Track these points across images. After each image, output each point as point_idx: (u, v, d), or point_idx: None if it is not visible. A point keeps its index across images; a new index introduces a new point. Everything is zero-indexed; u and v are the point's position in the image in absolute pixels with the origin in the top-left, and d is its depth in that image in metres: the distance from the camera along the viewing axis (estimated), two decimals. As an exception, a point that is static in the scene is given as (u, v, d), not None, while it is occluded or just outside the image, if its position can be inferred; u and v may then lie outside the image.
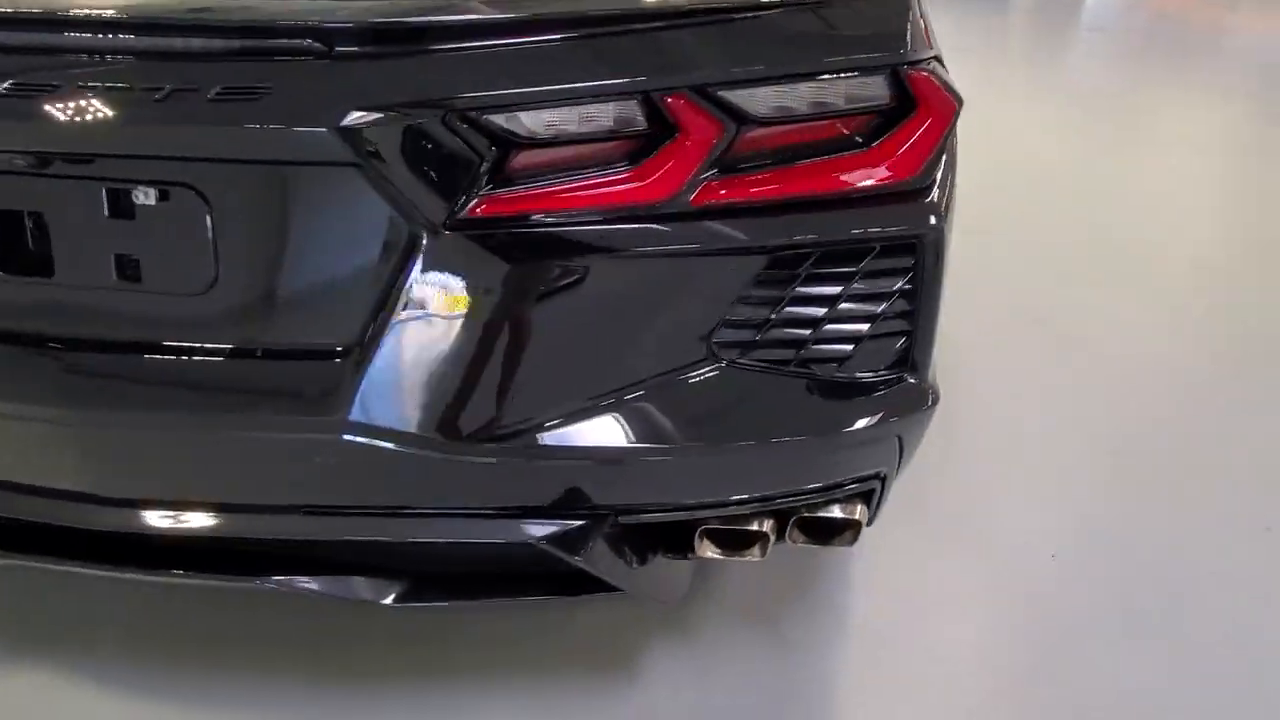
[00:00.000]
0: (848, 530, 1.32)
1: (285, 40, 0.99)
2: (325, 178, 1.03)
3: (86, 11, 1.02)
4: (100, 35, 1.01)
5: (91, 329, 1.11)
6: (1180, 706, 1.57)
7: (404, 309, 1.04)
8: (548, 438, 1.11)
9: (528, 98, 1.01)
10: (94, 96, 0.99)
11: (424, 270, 1.03)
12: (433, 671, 1.56)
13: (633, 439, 1.13)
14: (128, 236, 1.04)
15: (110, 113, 0.99)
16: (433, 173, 1.01)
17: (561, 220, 1.05)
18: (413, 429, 1.07)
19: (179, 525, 1.13)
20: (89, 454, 1.14)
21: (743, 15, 1.07)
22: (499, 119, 1.01)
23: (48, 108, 0.99)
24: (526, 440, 1.10)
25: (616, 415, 1.13)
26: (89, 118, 0.99)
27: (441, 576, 1.27)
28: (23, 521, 1.18)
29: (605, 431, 1.12)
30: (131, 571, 1.21)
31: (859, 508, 1.30)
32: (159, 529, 1.13)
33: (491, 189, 1.03)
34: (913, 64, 1.10)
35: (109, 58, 1.01)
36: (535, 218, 1.04)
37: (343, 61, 0.99)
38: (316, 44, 0.99)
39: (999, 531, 1.93)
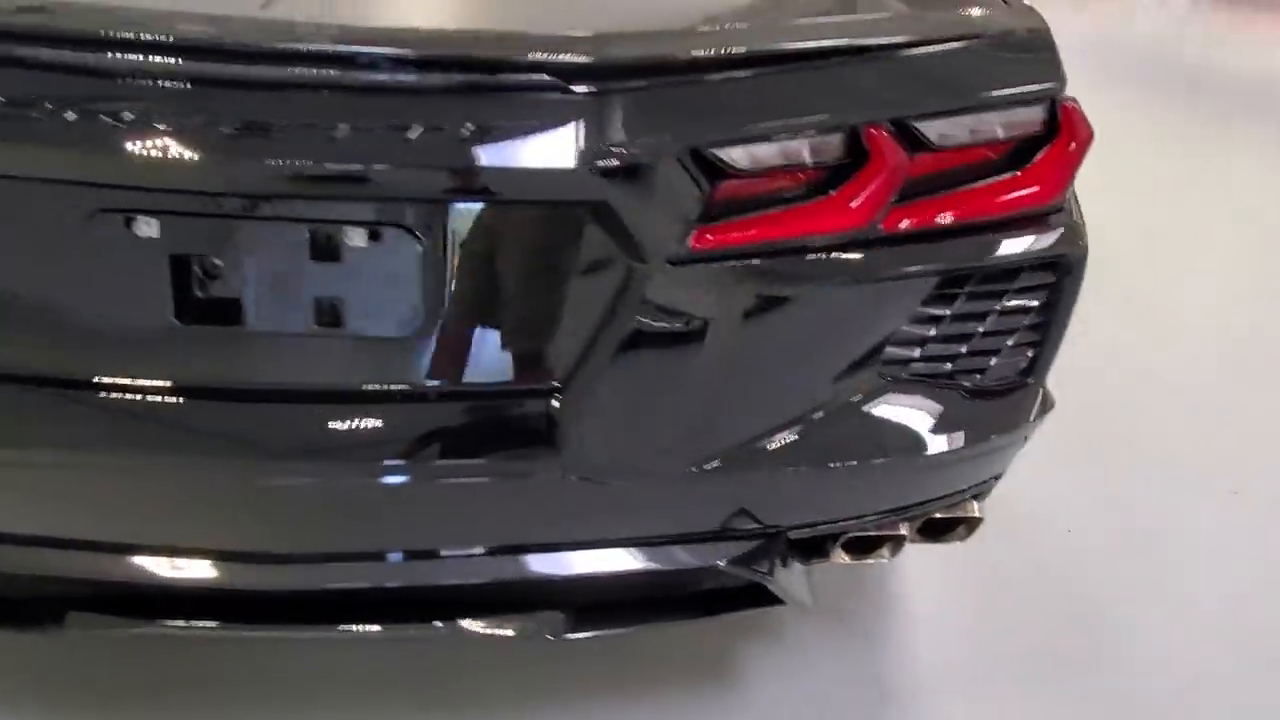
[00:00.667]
0: (965, 527, 1.41)
1: (517, 76, 0.96)
2: (550, 216, 1.00)
3: (288, 45, 0.93)
4: (310, 69, 0.93)
5: (284, 377, 1.03)
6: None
7: (621, 345, 1.04)
8: (749, 463, 1.13)
9: (751, 132, 1.02)
10: (301, 135, 0.92)
11: (642, 305, 1.03)
12: (541, 685, 1.56)
13: (818, 458, 1.17)
14: (331, 279, 0.98)
15: (319, 152, 0.92)
16: (658, 208, 1.01)
17: (769, 250, 1.07)
18: (631, 463, 1.07)
19: (381, 578, 1.07)
20: (279, 510, 1.06)
21: (927, 50, 1.12)
22: (721, 153, 1.01)
23: (252, 147, 0.91)
24: (732, 466, 1.12)
25: (804, 436, 1.16)
26: (297, 159, 0.92)
27: (606, 605, 1.26)
28: (204, 589, 1.10)
29: (795, 453, 1.16)
30: (317, 630, 1.13)
31: (976, 505, 1.40)
32: (355, 585, 1.07)
33: (709, 222, 1.04)
34: (1063, 95, 1.19)
35: (318, 93, 0.93)
36: (747, 248, 1.06)
37: (577, 100, 0.97)
38: (551, 80, 0.96)
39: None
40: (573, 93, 0.96)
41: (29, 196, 0.91)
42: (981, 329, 1.23)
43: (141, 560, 1.07)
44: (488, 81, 0.96)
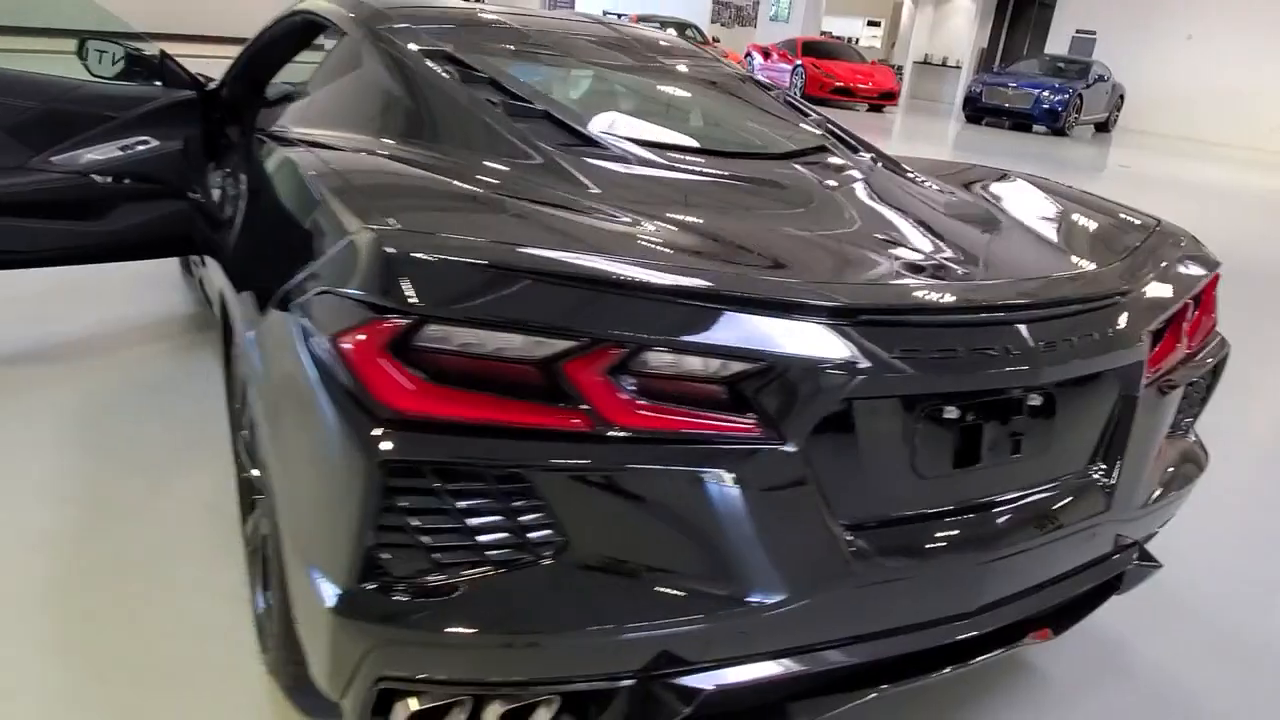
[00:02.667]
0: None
1: (1099, 303, 1.55)
2: (1103, 383, 1.57)
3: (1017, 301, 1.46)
4: (1023, 313, 1.43)
5: (998, 492, 1.50)
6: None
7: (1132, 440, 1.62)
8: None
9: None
10: (1018, 353, 1.39)
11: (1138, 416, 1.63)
12: None
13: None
14: (1024, 431, 1.47)
15: (1028, 360, 1.39)
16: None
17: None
18: (1133, 507, 1.70)
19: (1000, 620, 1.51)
20: (984, 579, 1.46)
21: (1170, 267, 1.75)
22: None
23: (996, 363, 1.36)
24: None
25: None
26: (1019, 366, 1.38)
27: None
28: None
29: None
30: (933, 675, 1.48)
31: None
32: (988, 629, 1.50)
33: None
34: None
35: (1029, 325, 1.42)
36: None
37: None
38: (1108, 302, 1.59)
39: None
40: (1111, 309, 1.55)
41: (896, 407, 1.33)
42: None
43: (877, 642, 1.39)
44: (1088, 308, 1.51)
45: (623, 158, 1.83)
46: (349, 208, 1.31)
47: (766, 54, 18.87)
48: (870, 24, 31.90)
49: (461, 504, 1.17)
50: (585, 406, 1.16)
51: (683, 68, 2.63)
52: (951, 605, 1.45)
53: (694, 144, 2.05)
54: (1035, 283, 1.52)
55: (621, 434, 1.17)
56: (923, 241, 1.66)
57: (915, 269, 1.51)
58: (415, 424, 1.13)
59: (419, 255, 1.16)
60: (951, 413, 1.38)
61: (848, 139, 2.38)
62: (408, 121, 1.92)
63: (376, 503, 1.14)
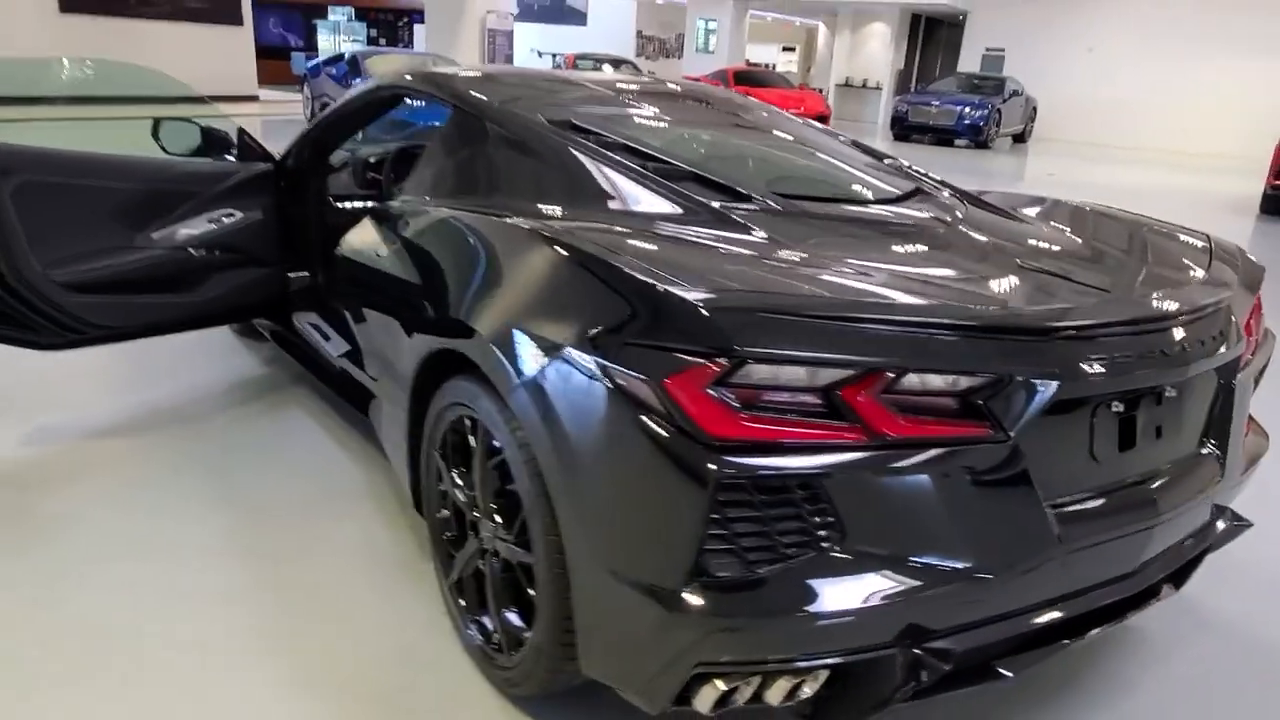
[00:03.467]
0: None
1: (1207, 312, 1.84)
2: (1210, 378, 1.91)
3: (1152, 315, 1.75)
4: (1154, 325, 1.72)
5: (1146, 469, 1.80)
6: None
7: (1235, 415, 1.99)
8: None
9: None
10: (1154, 357, 1.69)
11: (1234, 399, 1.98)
12: None
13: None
14: (1163, 418, 1.80)
15: (1163, 362, 1.70)
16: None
17: None
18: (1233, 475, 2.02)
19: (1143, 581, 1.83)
20: (1142, 542, 1.76)
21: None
22: None
23: (1148, 364, 1.68)
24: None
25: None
26: (1156, 369, 1.70)
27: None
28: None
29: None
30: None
31: None
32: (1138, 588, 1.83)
33: None
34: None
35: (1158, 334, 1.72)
36: None
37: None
38: (1210, 312, 1.86)
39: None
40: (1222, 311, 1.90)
41: (1081, 405, 1.64)
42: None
43: (1068, 602, 1.69)
44: (1210, 313, 1.83)
45: (776, 209, 2.09)
46: (642, 272, 1.55)
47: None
48: (785, 49, 33.01)
49: (769, 508, 1.42)
50: (859, 423, 1.42)
51: (764, 116, 2.93)
52: (1120, 567, 1.74)
53: (821, 193, 2.33)
54: (1170, 295, 1.82)
55: (887, 443, 1.43)
56: (1056, 266, 1.96)
57: (1074, 291, 1.80)
58: (734, 447, 1.38)
59: (731, 307, 1.42)
60: (1118, 407, 1.68)
61: (929, 179, 2.69)
62: (569, 189, 2.15)
63: (706, 514, 1.38)
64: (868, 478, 1.45)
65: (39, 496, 2.69)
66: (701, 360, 1.39)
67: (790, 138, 2.82)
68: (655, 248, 1.77)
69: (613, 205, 2.09)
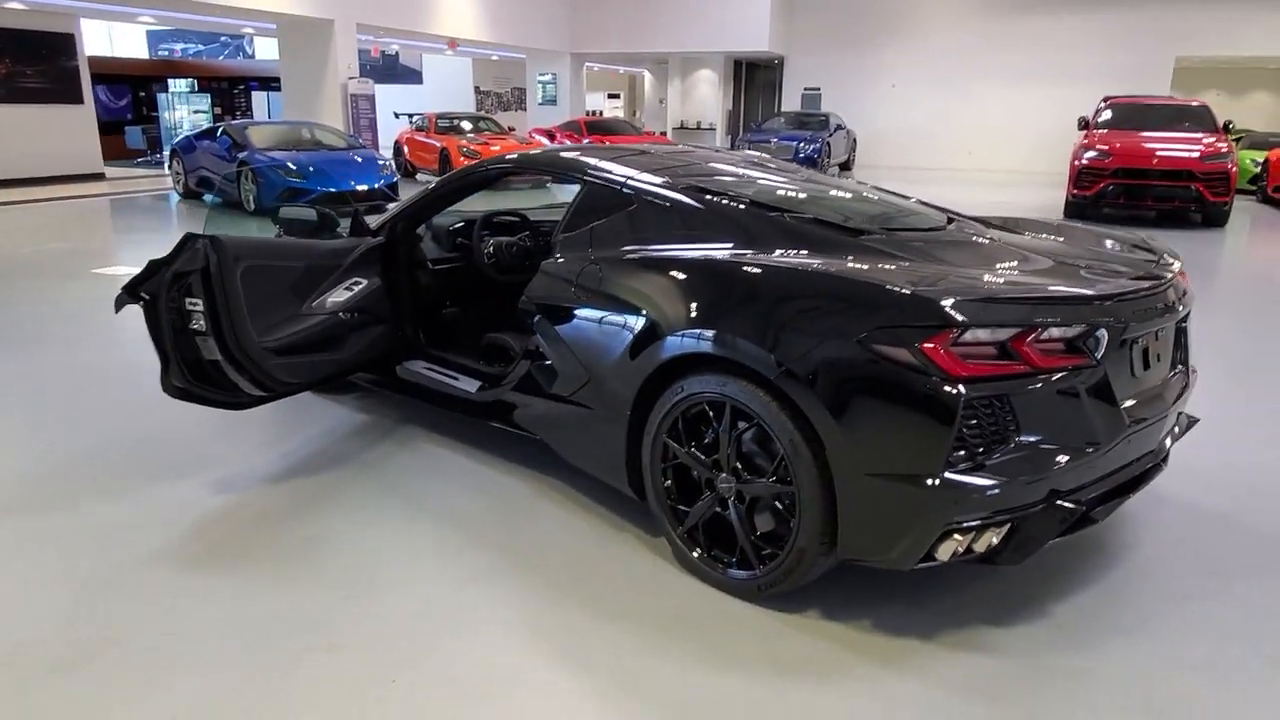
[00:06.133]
0: None
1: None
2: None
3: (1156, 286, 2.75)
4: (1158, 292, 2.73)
5: (1151, 386, 2.78)
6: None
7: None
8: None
9: None
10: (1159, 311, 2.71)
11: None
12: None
13: None
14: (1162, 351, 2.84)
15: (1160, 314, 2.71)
16: None
17: None
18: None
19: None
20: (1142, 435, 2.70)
21: None
22: None
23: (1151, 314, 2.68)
24: None
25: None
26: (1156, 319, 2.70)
27: None
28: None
29: None
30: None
31: None
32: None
33: None
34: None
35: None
36: None
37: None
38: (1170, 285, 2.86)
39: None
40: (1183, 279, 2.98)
41: (1126, 341, 2.59)
42: None
43: (1127, 468, 2.67)
44: (1173, 283, 2.85)
45: (889, 239, 2.96)
46: (884, 284, 2.44)
47: (551, 136, 20.38)
48: (610, 96, 34.73)
49: (983, 416, 2.32)
50: (1021, 361, 2.35)
51: (794, 171, 3.88)
52: (1149, 444, 2.74)
53: (904, 225, 3.22)
54: (1156, 271, 2.83)
55: (1038, 371, 2.37)
56: (1077, 258, 2.96)
57: (1103, 273, 2.78)
58: (967, 380, 2.27)
59: (958, 298, 2.34)
60: (1141, 343, 2.69)
61: (943, 209, 3.69)
62: (736, 234, 2.96)
63: (955, 422, 2.26)
64: (1032, 393, 2.37)
65: (291, 523, 3.21)
66: (943, 329, 2.28)
67: (829, 186, 3.74)
68: (859, 266, 2.64)
69: (780, 244, 2.90)
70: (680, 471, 2.90)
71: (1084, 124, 13.61)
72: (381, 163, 12.83)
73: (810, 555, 2.55)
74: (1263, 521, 3.31)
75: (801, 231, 2.94)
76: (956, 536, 2.36)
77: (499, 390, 3.58)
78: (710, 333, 2.69)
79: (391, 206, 4.22)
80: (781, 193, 3.48)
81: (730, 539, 2.78)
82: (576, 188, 3.46)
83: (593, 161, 3.48)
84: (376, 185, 12.03)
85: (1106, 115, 13.53)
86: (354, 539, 3.12)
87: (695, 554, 2.84)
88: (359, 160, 12.56)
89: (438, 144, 16.81)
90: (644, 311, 2.91)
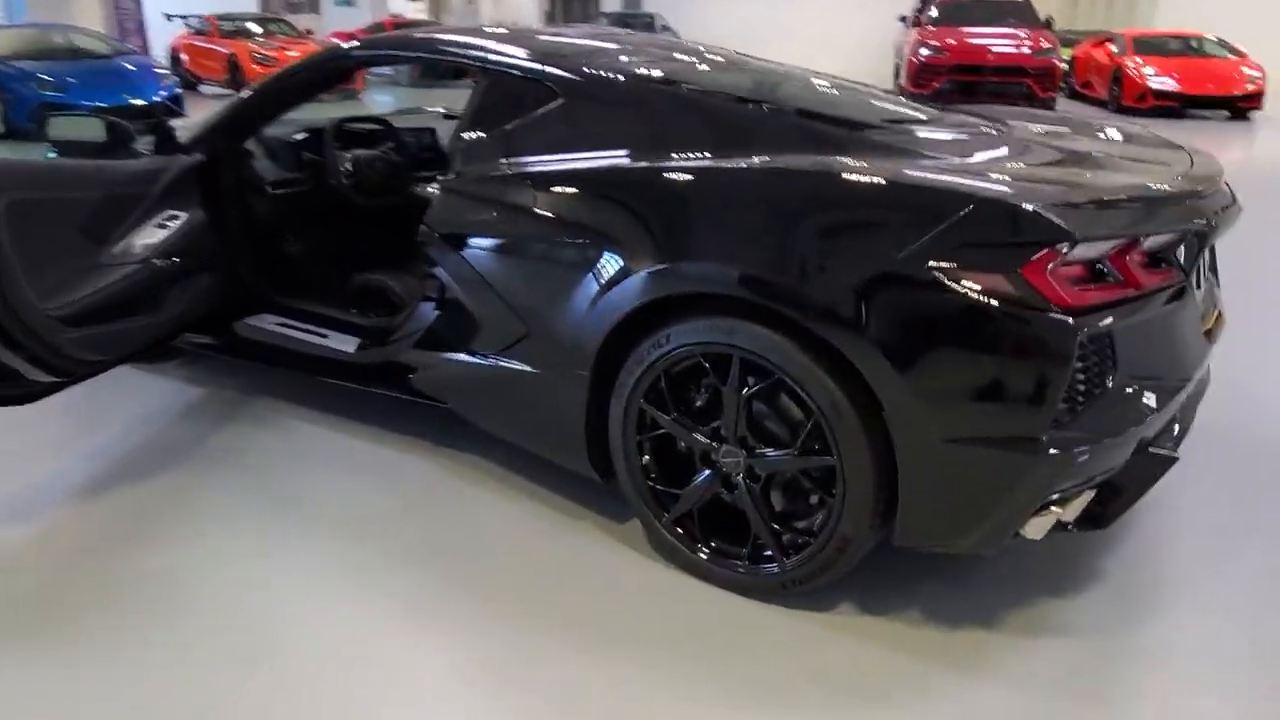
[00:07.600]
0: None
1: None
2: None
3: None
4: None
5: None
6: None
7: None
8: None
9: None
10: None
11: None
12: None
13: None
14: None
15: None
16: None
17: None
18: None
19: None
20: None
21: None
22: None
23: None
24: None
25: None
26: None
27: None
28: None
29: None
30: None
31: None
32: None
33: None
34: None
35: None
36: None
37: None
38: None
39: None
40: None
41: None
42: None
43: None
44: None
45: (898, 133, 2.38)
46: (957, 190, 1.84)
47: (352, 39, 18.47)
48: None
49: (1093, 358, 1.81)
50: (1126, 282, 1.86)
51: (767, 64, 3.24)
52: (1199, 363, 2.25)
53: (901, 118, 2.62)
54: (1211, 170, 2.27)
55: (1143, 293, 1.88)
56: (1127, 155, 2.44)
57: (1153, 172, 2.20)
58: (1080, 311, 1.75)
59: (1058, 203, 1.76)
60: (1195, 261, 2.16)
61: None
62: (708, 133, 2.27)
63: (1070, 369, 1.73)
64: (1134, 322, 1.88)
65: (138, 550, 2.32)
66: (1048, 247, 1.72)
67: (810, 78, 3.01)
68: (908, 171, 2.02)
69: (767, 146, 2.22)
70: (664, 444, 2.26)
71: (910, 21, 13.58)
72: (161, 72, 11.00)
73: (857, 543, 2.00)
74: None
75: (792, 127, 2.30)
76: (1054, 508, 1.87)
77: (390, 349, 2.78)
78: (712, 264, 2.03)
79: (204, 115, 3.21)
80: (731, 78, 2.82)
81: (733, 526, 2.18)
82: (470, 84, 2.66)
83: (495, 45, 2.66)
84: (156, 99, 10.35)
85: (933, 12, 13.52)
86: (219, 567, 2.29)
87: (691, 545, 2.23)
88: (131, 69, 10.79)
89: (225, 50, 14.78)
90: (609, 239, 2.20)
